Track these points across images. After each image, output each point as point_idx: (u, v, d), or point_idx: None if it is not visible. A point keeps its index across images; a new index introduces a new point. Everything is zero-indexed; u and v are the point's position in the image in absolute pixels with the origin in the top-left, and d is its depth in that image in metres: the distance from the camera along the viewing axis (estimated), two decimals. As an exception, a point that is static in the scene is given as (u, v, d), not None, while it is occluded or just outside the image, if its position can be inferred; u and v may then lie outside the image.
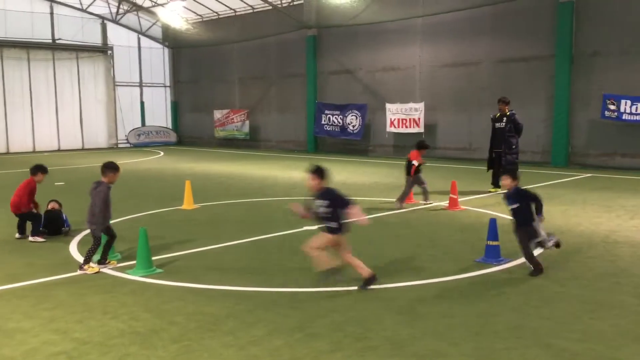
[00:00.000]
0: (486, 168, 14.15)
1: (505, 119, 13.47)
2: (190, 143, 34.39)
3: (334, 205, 6.26)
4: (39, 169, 9.30)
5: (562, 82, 19.42)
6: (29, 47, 29.81)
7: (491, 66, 21.43)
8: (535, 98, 20.17)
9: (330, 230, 6.28)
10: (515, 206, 7.00)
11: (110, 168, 7.40)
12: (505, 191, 7.19)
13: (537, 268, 6.83)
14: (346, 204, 6.25)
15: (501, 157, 13.45)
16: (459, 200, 11.67)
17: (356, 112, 25.24)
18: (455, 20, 22.05)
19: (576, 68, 19.25)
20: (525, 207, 6.97)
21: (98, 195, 7.18)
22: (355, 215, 6.26)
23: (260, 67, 30.21)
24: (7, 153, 29.15)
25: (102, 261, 7.31)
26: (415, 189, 11.96)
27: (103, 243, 7.32)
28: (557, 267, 7.16)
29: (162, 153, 28.44)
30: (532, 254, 6.93)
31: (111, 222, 7.66)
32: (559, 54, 19.40)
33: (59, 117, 31.20)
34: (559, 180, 15.76)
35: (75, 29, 31.33)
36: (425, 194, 11.86)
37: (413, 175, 11.74)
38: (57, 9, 30.82)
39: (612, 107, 18.10)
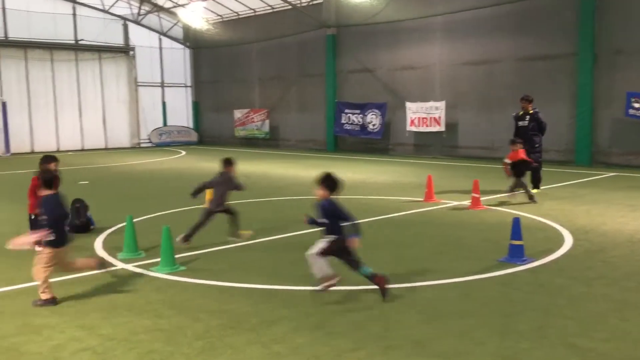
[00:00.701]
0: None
1: (528, 117, 13.29)
2: (211, 142, 34.61)
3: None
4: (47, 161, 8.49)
5: (585, 80, 19.17)
6: (53, 48, 30.23)
7: (513, 64, 21.22)
8: (558, 96, 19.94)
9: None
10: (323, 221, 6.04)
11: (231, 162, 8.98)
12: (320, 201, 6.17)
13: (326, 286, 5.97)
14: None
15: (524, 156, 13.28)
16: (481, 199, 11.59)
17: (376, 111, 25.19)
18: (477, 17, 21.88)
19: (599, 66, 18.98)
20: (334, 226, 6.01)
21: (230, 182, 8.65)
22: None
23: (279, 66, 30.29)
24: (32, 152, 29.59)
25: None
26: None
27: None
28: (582, 267, 7.08)
29: (183, 152, 28.67)
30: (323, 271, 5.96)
31: (136, 219, 7.73)
32: (582, 52, 19.15)
33: (82, 117, 31.60)
34: (583, 180, 15.57)
35: (97, 29, 31.70)
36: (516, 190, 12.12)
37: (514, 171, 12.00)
38: (80, 10, 31.21)
39: (637, 105, 17.81)
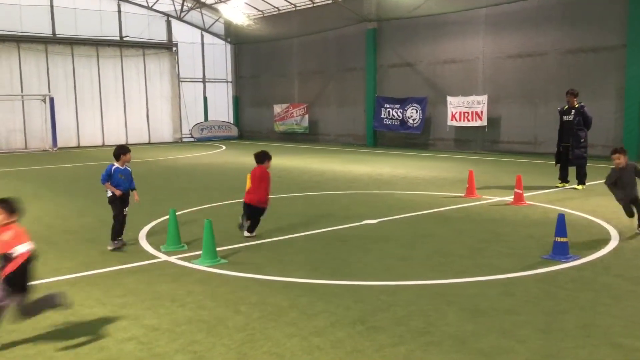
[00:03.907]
0: (554, 162, 13.68)
1: (573, 111, 12.97)
2: (251, 137, 34.91)
3: None
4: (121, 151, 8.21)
5: (633, 73, 18.57)
6: (98, 44, 30.95)
7: (558, 57, 20.73)
8: (605, 90, 19.39)
9: None
10: None
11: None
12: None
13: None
14: None
15: (569, 151, 12.98)
16: (525, 195, 11.38)
17: (416, 105, 24.97)
18: (521, 9, 21.43)
19: (650, 58, 18.38)
20: None
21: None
22: None
23: (319, 61, 30.31)
24: (78, 147, 30.41)
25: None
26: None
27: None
28: (629, 265, 6.89)
29: (224, 147, 29.00)
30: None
31: (178, 212, 7.88)
32: (631, 44, 18.55)
33: (127, 112, 32.30)
34: (630, 176, 15.08)
35: (141, 26, 32.31)
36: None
37: None
38: (125, 7, 31.85)
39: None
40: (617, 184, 8.68)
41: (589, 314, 5.33)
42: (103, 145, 31.02)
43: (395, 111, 25.79)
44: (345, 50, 28.78)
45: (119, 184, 8.06)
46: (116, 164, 8.11)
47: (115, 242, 8.04)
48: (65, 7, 29.73)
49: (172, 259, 7.48)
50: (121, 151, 8.19)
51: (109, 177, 8.01)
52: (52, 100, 28.68)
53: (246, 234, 8.67)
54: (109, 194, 8.07)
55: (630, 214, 8.67)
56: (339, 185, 14.18)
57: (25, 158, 24.22)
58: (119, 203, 8.06)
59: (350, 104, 28.84)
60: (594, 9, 19.63)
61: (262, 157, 8.82)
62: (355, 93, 28.41)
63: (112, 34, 31.53)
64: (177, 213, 8.32)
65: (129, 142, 32.14)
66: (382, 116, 26.41)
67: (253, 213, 8.67)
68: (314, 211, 10.82)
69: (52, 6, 29.47)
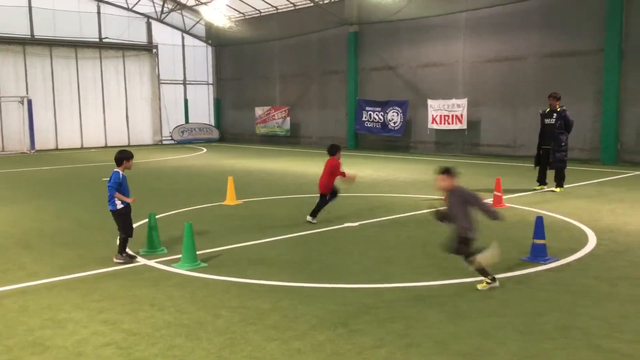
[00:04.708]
0: (533, 165, 13.80)
1: (555, 115, 13.02)
2: (232, 140, 34.78)
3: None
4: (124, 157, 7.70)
5: (611, 77, 18.85)
6: (77, 46, 30.61)
7: (537, 61, 20.96)
8: (583, 94, 19.64)
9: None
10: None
11: None
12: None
13: None
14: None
15: (549, 155, 13.06)
16: (504, 197, 11.47)
17: (397, 108, 25.08)
18: (501, 14, 21.65)
19: (626, 63, 18.66)
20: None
21: None
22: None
23: (301, 64, 30.31)
24: (57, 149, 30.04)
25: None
26: None
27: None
28: (607, 267, 6.97)
29: (204, 149, 28.85)
30: None
31: (158, 216, 7.79)
32: (608, 48, 18.84)
33: (106, 114, 31.98)
34: (608, 178, 15.32)
35: (121, 28, 32.03)
36: None
37: None
38: (104, 9, 31.56)
39: (665, 102, 17.49)
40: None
41: (568, 315, 5.38)
42: (82, 148, 30.69)
43: (377, 114, 25.87)
44: (326, 53, 28.82)
45: (126, 192, 7.44)
46: (120, 170, 7.45)
47: (124, 255, 7.45)
48: (43, 8, 29.37)
49: (152, 262, 7.41)
50: (124, 156, 7.53)
51: (120, 185, 7.36)
52: (30, 102, 28.29)
53: (308, 218, 9.71)
54: (119, 205, 7.35)
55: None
56: (320, 188, 14.15)
57: (2, 160, 23.86)
58: (129, 213, 7.50)
59: (332, 107, 28.88)
60: (572, 14, 19.90)
61: (334, 150, 10.05)
62: (337, 96, 28.46)
63: (92, 35, 31.22)
64: (156, 216, 8.24)
65: (108, 144, 31.86)
66: (364, 119, 26.48)
67: (322, 198, 9.91)
68: (295, 214, 10.79)
69: (30, 7, 29.09)
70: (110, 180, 7.40)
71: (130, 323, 5.31)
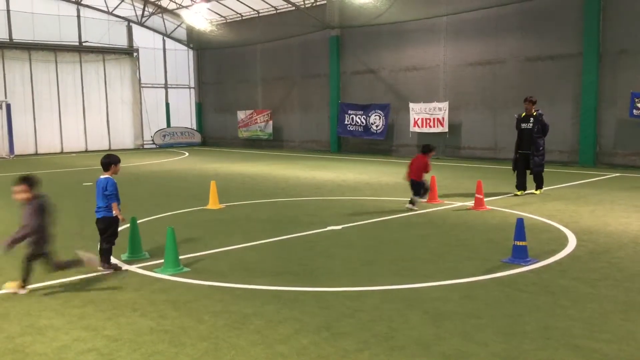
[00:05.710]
0: (512, 169, 13.81)
1: (532, 119, 12.94)
2: (214, 144, 34.66)
3: None
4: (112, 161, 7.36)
5: (589, 80, 19.14)
6: (57, 49, 30.33)
7: (517, 64, 21.20)
8: (562, 96, 19.91)
9: None
10: None
11: None
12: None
13: None
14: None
15: (528, 159, 13.03)
16: (485, 200, 11.58)
17: (379, 112, 25.19)
18: (481, 18, 21.88)
19: (603, 66, 18.96)
20: None
21: None
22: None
23: (283, 67, 30.32)
24: (36, 154, 29.69)
25: None
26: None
27: None
28: (586, 268, 7.07)
29: (186, 154, 28.71)
30: None
31: (140, 220, 7.72)
32: (587, 52, 19.12)
33: (86, 119, 31.72)
34: (587, 180, 15.54)
35: (101, 31, 31.80)
36: None
37: None
38: (84, 12, 31.32)
39: (641, 105, 17.78)
40: None
41: (549, 316, 5.44)
42: (62, 152, 30.36)
43: (359, 117, 25.96)
44: (308, 56, 28.86)
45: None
46: (109, 176, 7.15)
47: (109, 264, 7.22)
48: (22, 11, 29.07)
49: (133, 267, 7.35)
50: (112, 160, 7.21)
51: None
52: (8, 106, 27.95)
53: (415, 199, 11.21)
54: (112, 214, 7.05)
55: None
56: (303, 192, 14.18)
57: (-20, 166, 23.51)
58: (118, 222, 7.21)
59: (314, 110, 28.92)
60: (552, 18, 20.16)
61: (428, 148, 11.69)
62: (319, 99, 28.51)
63: (71, 39, 30.95)
64: (138, 221, 8.18)
65: (89, 148, 31.59)
66: (346, 122, 26.55)
67: (416, 186, 11.35)
68: (278, 218, 10.79)
69: (8, 10, 28.78)
70: (106, 188, 7.04)
71: (112, 329, 5.27)
